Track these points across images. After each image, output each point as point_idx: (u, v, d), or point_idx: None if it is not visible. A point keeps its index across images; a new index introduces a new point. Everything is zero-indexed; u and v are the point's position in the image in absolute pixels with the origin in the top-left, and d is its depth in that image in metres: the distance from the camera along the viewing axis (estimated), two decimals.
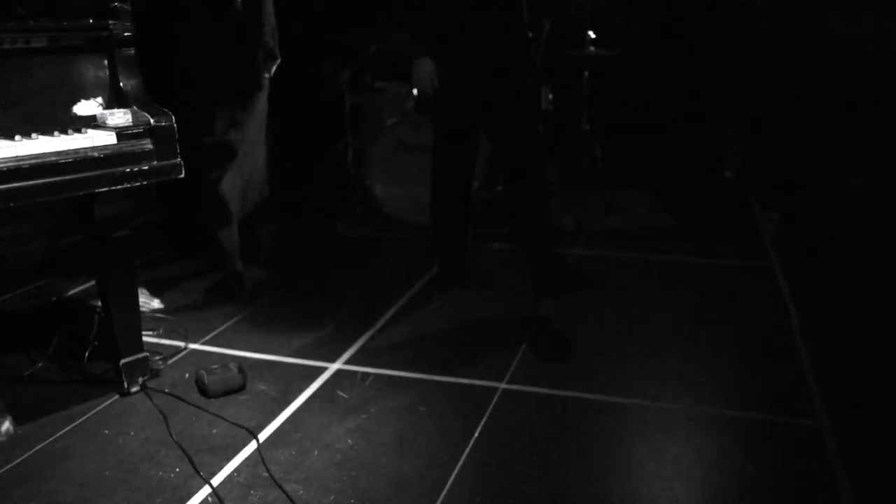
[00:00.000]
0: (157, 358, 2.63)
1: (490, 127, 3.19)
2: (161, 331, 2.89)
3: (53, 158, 2.00)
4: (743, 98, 5.11)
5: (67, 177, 2.02)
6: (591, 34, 4.42)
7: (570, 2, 4.40)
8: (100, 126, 2.16)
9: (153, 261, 3.72)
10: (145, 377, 2.47)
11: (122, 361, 2.40)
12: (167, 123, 2.20)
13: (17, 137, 2.01)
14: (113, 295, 2.37)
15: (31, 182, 1.96)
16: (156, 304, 3.11)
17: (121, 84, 2.24)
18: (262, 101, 3.32)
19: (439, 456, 2.09)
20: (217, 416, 2.29)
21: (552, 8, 4.16)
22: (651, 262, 3.63)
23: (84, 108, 2.20)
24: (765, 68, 4.90)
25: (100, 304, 2.62)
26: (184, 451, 2.10)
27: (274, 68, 3.36)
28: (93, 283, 3.17)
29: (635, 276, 3.47)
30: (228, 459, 2.08)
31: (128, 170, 2.13)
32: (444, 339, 2.83)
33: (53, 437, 2.18)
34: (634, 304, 3.11)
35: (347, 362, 2.65)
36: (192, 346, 2.79)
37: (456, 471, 2.02)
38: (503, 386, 2.47)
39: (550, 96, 4.18)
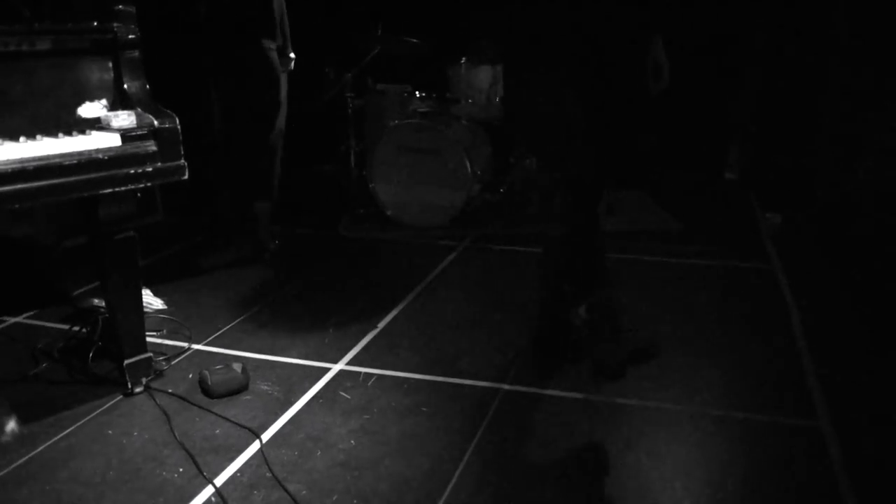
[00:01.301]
0: (161, 358, 2.64)
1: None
2: (165, 331, 2.90)
3: (58, 160, 2.01)
4: (744, 99, 5.12)
5: (72, 178, 2.03)
6: None
7: None
8: (104, 128, 2.17)
9: (157, 262, 3.73)
10: (149, 378, 2.48)
11: (126, 362, 2.41)
12: (171, 125, 2.21)
13: (22, 139, 2.03)
14: (117, 296, 2.38)
15: (35, 183, 1.97)
16: (159, 304, 3.12)
17: (125, 86, 2.25)
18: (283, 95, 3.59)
19: (442, 456, 2.10)
20: (220, 416, 2.30)
21: None
22: (652, 263, 3.64)
23: (88, 110, 2.21)
24: (766, 69, 4.91)
25: (104, 304, 2.64)
26: (187, 452, 2.11)
27: (291, 64, 3.54)
28: (97, 283, 3.18)
29: (636, 277, 3.47)
30: (232, 460, 2.08)
31: (132, 171, 2.14)
32: (446, 340, 2.83)
33: (58, 437, 2.19)
34: (635, 305, 3.12)
35: (350, 363, 2.66)
36: (196, 346, 2.80)
37: (458, 471, 2.03)
38: (506, 387, 2.47)
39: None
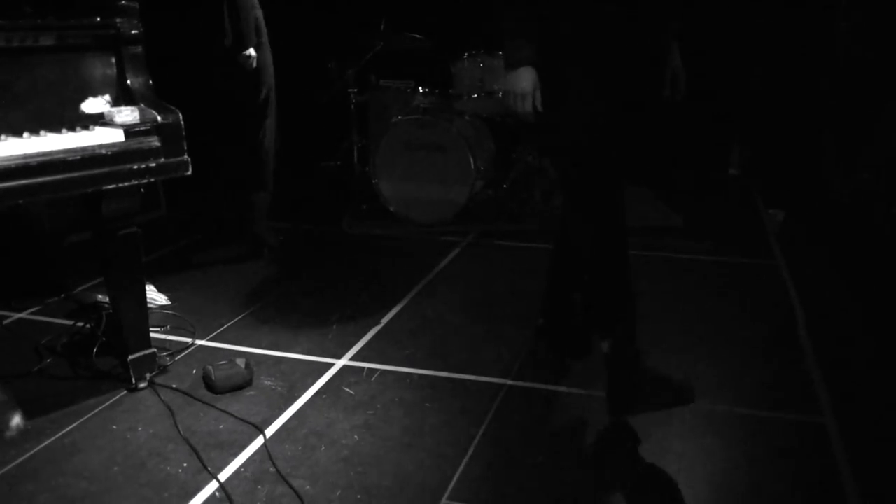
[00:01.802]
0: (165, 354, 2.65)
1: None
2: (168, 327, 2.90)
3: (61, 156, 2.01)
4: (748, 95, 5.11)
5: (75, 174, 2.03)
6: None
7: None
8: (107, 123, 2.17)
9: (161, 257, 3.74)
10: (153, 373, 2.48)
11: (130, 357, 2.41)
12: (174, 121, 2.21)
13: (26, 135, 2.03)
14: (121, 291, 2.38)
15: (39, 179, 1.97)
16: (163, 300, 3.13)
17: (128, 82, 2.25)
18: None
19: (445, 452, 2.10)
20: (224, 411, 2.30)
21: None
22: (655, 259, 3.63)
23: (92, 105, 2.21)
24: (770, 66, 4.90)
25: (108, 300, 2.64)
26: (191, 447, 2.12)
27: (250, 62, 3.47)
28: (101, 279, 3.19)
29: (639, 273, 3.46)
30: (235, 455, 2.09)
31: (135, 167, 2.14)
32: (450, 335, 2.84)
33: (62, 433, 2.20)
34: (638, 301, 3.11)
35: (353, 358, 2.66)
36: (200, 342, 2.80)
37: (462, 466, 2.03)
38: (509, 382, 2.48)
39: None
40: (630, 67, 2.15)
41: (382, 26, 4.57)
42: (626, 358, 2.22)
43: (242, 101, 3.52)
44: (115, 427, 2.23)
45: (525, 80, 2.11)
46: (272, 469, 2.02)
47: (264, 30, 3.53)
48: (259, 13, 3.49)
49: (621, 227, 2.22)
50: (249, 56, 3.40)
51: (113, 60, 2.25)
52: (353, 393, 2.42)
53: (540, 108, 2.13)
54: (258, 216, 3.75)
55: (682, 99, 2.40)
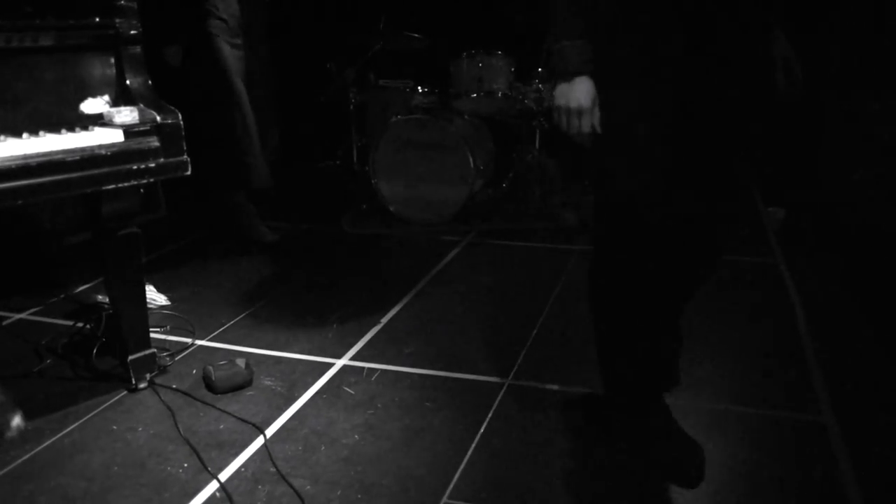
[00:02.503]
0: (165, 354, 2.65)
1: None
2: (168, 327, 2.90)
3: (61, 156, 2.01)
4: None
5: (75, 174, 2.03)
6: None
7: None
8: (107, 124, 2.17)
9: (160, 258, 3.73)
10: (153, 373, 2.48)
11: (130, 358, 2.41)
12: (174, 121, 2.21)
13: (25, 135, 2.03)
14: (120, 292, 2.38)
15: (38, 180, 1.97)
16: (163, 300, 3.13)
17: (127, 82, 2.25)
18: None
19: (446, 451, 2.10)
20: (224, 411, 2.30)
21: None
22: None
23: (91, 106, 2.21)
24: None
25: (107, 300, 2.65)
26: (191, 447, 2.12)
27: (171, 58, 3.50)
28: (100, 279, 3.19)
29: None
30: (236, 455, 2.09)
31: (135, 167, 2.14)
32: (449, 334, 2.84)
33: (62, 433, 2.19)
34: None
35: (353, 358, 2.66)
36: (200, 342, 2.80)
37: (462, 466, 2.03)
38: (509, 381, 2.48)
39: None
40: (719, 74, 1.76)
41: (381, 26, 4.57)
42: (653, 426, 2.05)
43: (194, 100, 3.51)
44: (115, 427, 2.23)
45: (582, 93, 1.71)
46: (272, 469, 2.02)
47: (220, 27, 3.46)
48: (224, 11, 3.43)
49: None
50: (169, 53, 3.41)
51: (112, 60, 2.24)
52: (353, 392, 2.42)
53: (599, 128, 1.76)
54: (244, 216, 3.75)
55: (800, 92, 1.97)
